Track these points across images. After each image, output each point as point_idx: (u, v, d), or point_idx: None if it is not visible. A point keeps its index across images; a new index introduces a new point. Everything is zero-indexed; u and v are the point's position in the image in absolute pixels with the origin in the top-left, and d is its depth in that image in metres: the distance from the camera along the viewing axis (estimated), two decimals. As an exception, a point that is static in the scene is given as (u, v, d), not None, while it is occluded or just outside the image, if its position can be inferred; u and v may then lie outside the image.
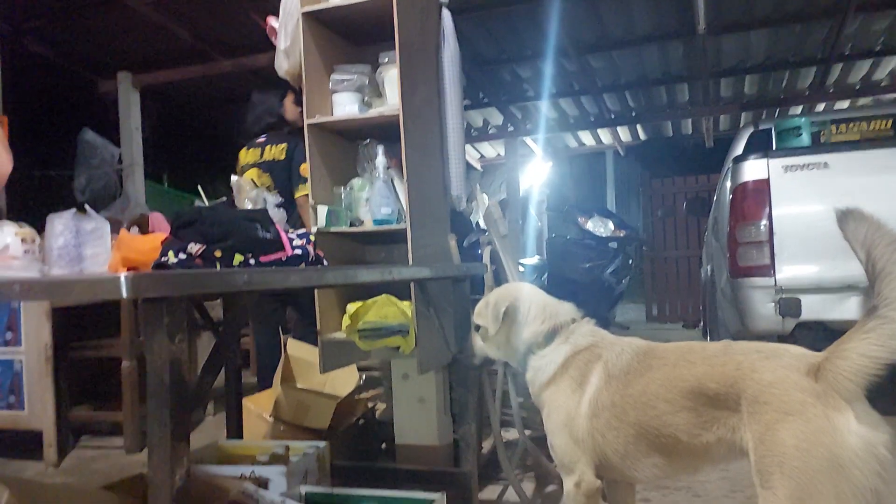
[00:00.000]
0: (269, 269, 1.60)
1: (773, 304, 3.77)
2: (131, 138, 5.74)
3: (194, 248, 1.59)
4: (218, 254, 1.61)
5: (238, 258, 1.63)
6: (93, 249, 1.98)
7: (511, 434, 3.29)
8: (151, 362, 1.06)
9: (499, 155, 10.50)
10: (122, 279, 0.94)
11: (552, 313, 2.06)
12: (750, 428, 1.60)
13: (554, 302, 2.10)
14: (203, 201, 2.28)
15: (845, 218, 1.63)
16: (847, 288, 3.69)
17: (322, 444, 2.46)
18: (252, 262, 1.67)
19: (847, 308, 3.69)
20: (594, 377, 1.89)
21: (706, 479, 3.10)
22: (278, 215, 2.16)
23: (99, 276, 1.00)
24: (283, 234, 1.82)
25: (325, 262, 1.94)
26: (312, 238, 1.90)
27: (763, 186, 3.83)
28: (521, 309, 2.07)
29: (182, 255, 1.59)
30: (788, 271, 3.77)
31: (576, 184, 12.87)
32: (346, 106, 2.70)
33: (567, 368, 1.95)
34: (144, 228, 2.62)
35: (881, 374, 1.48)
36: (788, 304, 3.72)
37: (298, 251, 1.80)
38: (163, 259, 1.59)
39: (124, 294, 0.94)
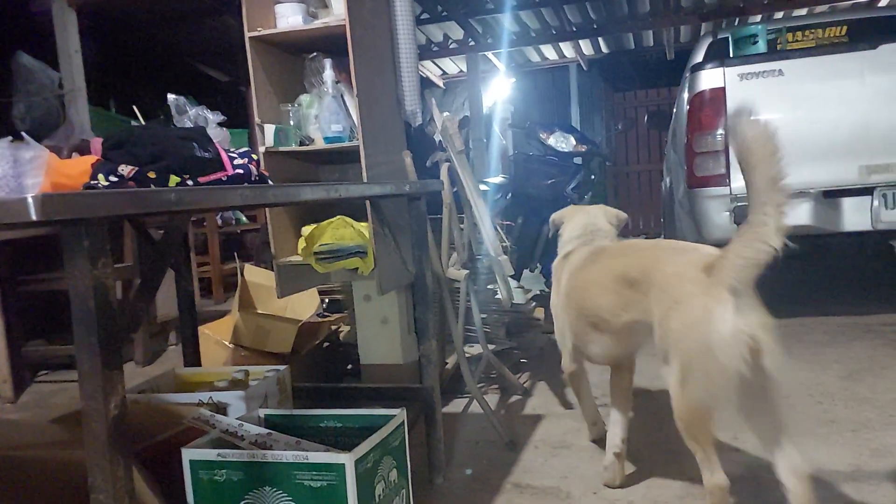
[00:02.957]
0: (204, 187, 1.53)
1: (728, 212, 3.80)
2: (71, 62, 5.42)
3: (125, 169, 1.51)
4: (152, 175, 1.53)
5: (174, 179, 1.55)
6: (34, 179, 1.88)
7: (476, 349, 3.31)
8: (74, 288, 1.01)
9: (461, 71, 10.29)
10: (30, 201, 0.88)
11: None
12: (654, 311, 1.81)
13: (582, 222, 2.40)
14: (140, 122, 2.18)
15: (737, 119, 1.67)
16: (799, 194, 3.72)
17: (282, 367, 2.44)
18: (190, 183, 1.59)
19: (798, 214, 3.73)
20: (564, 276, 2.26)
21: (662, 383, 3.15)
22: (220, 135, 2.07)
23: (3, 199, 0.93)
24: (223, 153, 1.73)
25: (270, 182, 1.87)
26: (255, 157, 1.83)
27: (719, 95, 3.80)
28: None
29: (113, 178, 1.51)
30: (743, 180, 3.79)
31: (540, 100, 12.68)
32: (289, 17, 2.57)
33: (556, 275, 2.34)
34: (86, 154, 2.51)
35: (764, 270, 1.60)
36: (743, 213, 3.74)
37: (240, 170, 1.72)
38: (92, 182, 1.51)
39: (33, 216, 0.88)
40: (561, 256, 2.36)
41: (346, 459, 1.51)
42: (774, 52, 4.13)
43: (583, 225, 2.37)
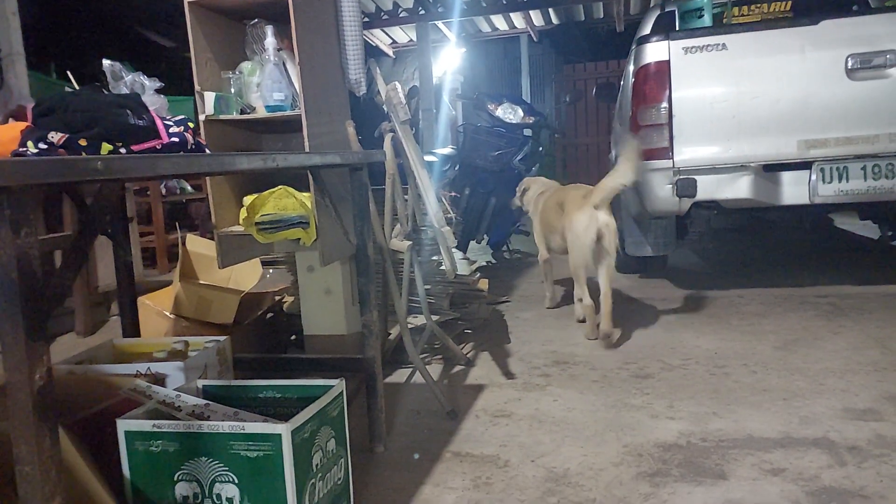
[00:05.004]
0: (133, 156, 1.50)
1: (670, 185, 3.85)
2: (8, 24, 5.21)
3: (56, 137, 1.47)
4: (83, 143, 1.49)
5: (106, 147, 1.52)
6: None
7: (419, 320, 3.33)
8: (-5, 258, 0.98)
9: (411, 40, 10.16)
10: (-57, 167, 0.85)
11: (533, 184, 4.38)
12: (564, 219, 3.54)
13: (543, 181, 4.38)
14: (74, 87, 2.11)
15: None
16: (740, 168, 3.80)
17: (223, 338, 2.42)
18: (122, 151, 1.56)
19: (739, 187, 3.81)
20: (540, 204, 4.08)
21: (602, 353, 3.24)
22: (157, 102, 2.02)
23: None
24: (158, 121, 1.70)
25: (208, 151, 1.84)
26: (192, 125, 1.79)
27: (664, 68, 3.83)
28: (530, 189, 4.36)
29: (43, 145, 1.47)
30: (686, 153, 3.84)
31: (490, 70, 12.66)
32: (229, -17, 2.52)
33: (533, 210, 4.20)
34: (23, 120, 2.44)
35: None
36: (685, 185, 3.81)
37: (176, 139, 1.69)
38: (21, 150, 1.47)
39: (-51, 184, 0.85)
40: (536, 197, 4.20)
41: (283, 429, 1.52)
42: (719, 25, 4.18)
43: (542, 183, 4.31)
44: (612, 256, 3.34)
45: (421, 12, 8.63)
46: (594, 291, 3.47)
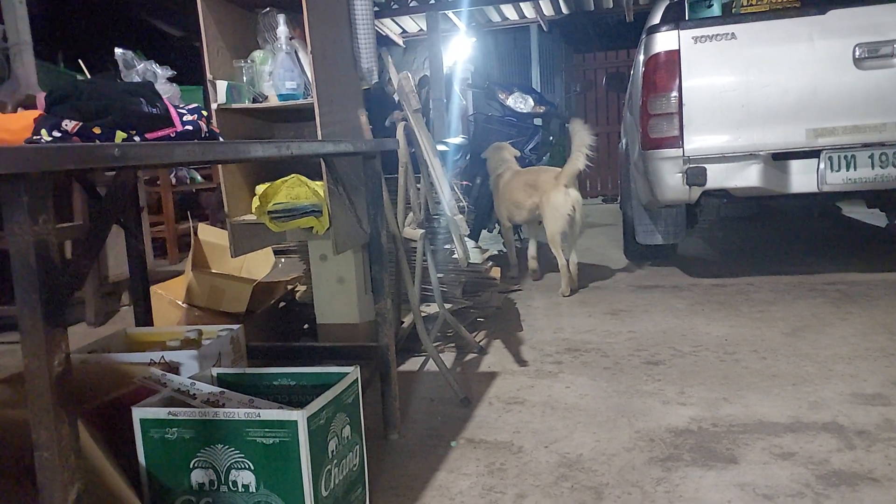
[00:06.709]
0: (149, 143, 1.50)
1: (680, 174, 3.85)
2: (15, 13, 5.22)
3: (69, 125, 1.48)
4: (97, 131, 1.49)
5: (120, 135, 1.52)
6: (-26, 135, 1.83)
7: (432, 308, 3.34)
8: (14, 245, 0.99)
9: (421, 30, 10.13)
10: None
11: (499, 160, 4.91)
12: (540, 197, 4.29)
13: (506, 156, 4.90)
14: (85, 75, 2.12)
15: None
16: (749, 156, 3.79)
17: (236, 326, 2.42)
18: (137, 138, 1.56)
19: (748, 175, 3.80)
20: (501, 183, 4.72)
21: (614, 340, 3.24)
22: (170, 90, 2.02)
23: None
24: (171, 109, 1.70)
25: (221, 139, 1.85)
26: (206, 113, 1.79)
27: (674, 57, 3.83)
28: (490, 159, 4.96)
29: (56, 133, 1.47)
30: (696, 142, 3.84)
31: (501, 60, 12.60)
32: (240, -29, 2.52)
33: (497, 182, 4.78)
34: (32, 109, 2.44)
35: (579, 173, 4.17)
36: (695, 174, 3.81)
37: (189, 127, 1.69)
38: (35, 137, 1.47)
39: (-31, 171, 0.86)
40: (495, 175, 4.81)
41: (299, 416, 1.52)
42: (728, 15, 4.17)
43: (501, 158, 4.83)
44: (579, 225, 4.24)
45: (431, 2, 8.61)
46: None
